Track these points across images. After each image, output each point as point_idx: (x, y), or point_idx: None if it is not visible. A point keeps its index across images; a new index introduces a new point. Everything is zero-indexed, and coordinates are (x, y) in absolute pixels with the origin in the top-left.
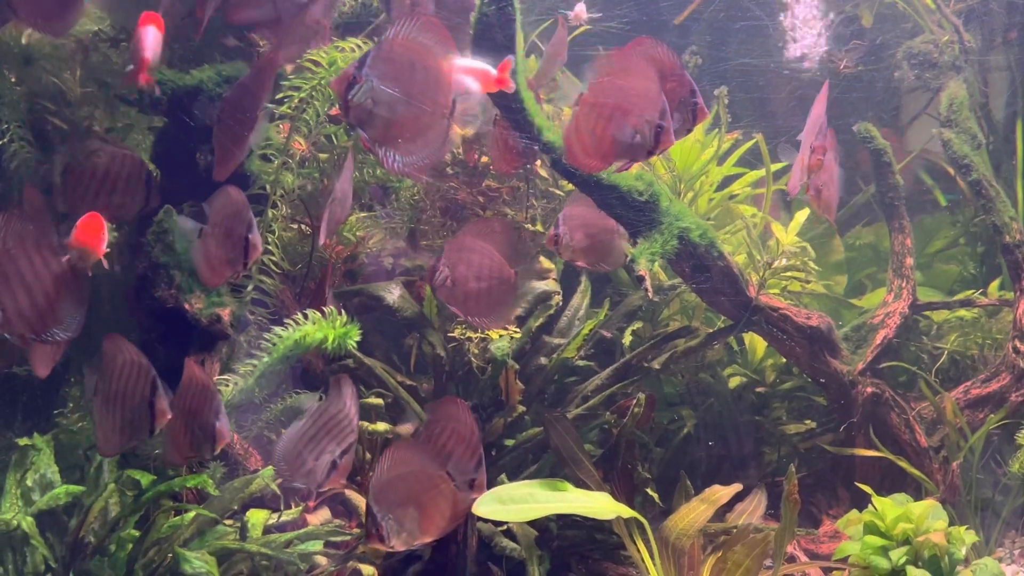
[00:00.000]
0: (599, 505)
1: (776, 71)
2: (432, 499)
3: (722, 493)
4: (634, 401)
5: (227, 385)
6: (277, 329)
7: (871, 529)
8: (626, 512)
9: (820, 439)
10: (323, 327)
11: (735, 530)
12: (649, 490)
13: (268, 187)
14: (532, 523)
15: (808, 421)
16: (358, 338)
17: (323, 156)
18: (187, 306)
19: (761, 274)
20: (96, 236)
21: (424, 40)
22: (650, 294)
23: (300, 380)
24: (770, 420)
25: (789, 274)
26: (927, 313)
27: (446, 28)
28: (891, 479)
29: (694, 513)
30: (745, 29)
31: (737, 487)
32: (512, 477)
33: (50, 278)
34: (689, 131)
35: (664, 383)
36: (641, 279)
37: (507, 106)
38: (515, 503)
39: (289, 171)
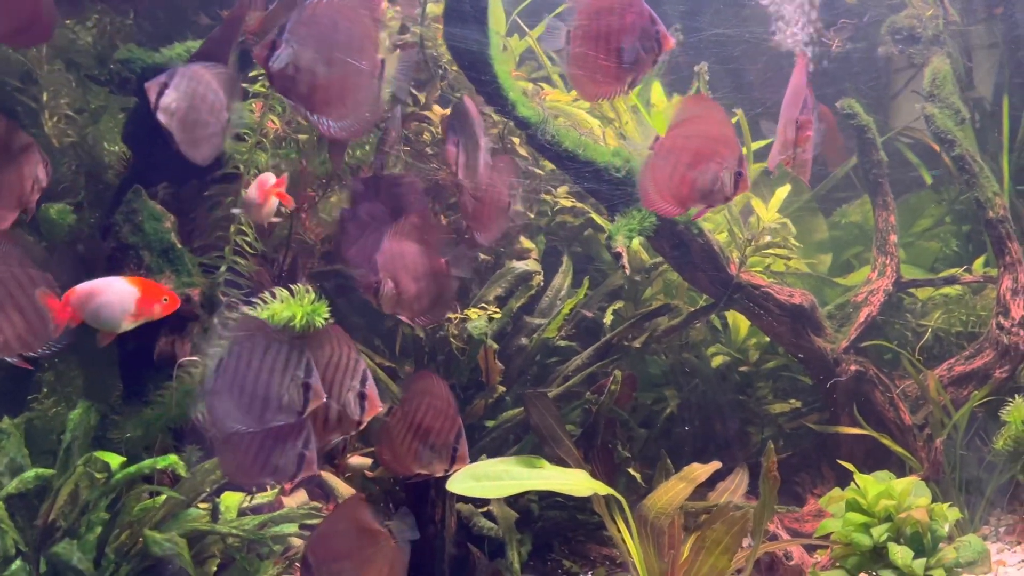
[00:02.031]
0: (575, 482)
1: (752, 42)
2: (370, 557)
3: (700, 471)
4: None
5: (196, 367)
6: (245, 308)
7: (853, 506)
8: (602, 489)
9: (807, 418)
10: (291, 305)
11: (716, 508)
12: (632, 470)
13: (241, 167)
14: (513, 505)
15: (793, 400)
16: (327, 316)
17: (303, 137)
18: None
19: (742, 251)
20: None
21: (351, 3)
22: (627, 270)
23: None
24: (754, 399)
25: (771, 251)
26: (912, 291)
27: None
28: (876, 457)
29: (672, 492)
30: None
31: (716, 465)
32: (494, 457)
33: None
34: (655, 62)
35: (649, 363)
36: (618, 256)
37: (479, 79)
38: (490, 480)
39: (263, 150)
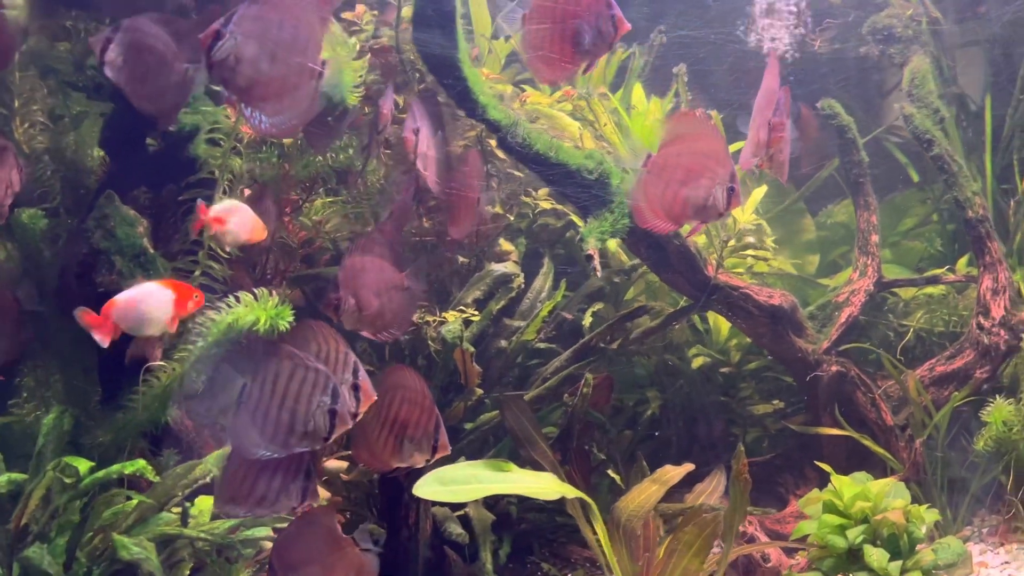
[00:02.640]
0: (544, 485)
1: (717, 43)
2: (335, 563)
3: (673, 474)
4: (595, 382)
5: (165, 372)
6: (210, 312)
7: (829, 508)
8: (571, 492)
9: (790, 419)
10: (254, 309)
11: (688, 511)
12: (612, 471)
13: (216, 172)
14: (493, 508)
15: (776, 401)
16: (291, 320)
17: (287, 141)
18: None
19: (719, 252)
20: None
21: (299, 1)
22: (598, 273)
23: None
24: (737, 400)
25: (748, 253)
26: (896, 290)
27: None
28: (858, 458)
29: (645, 494)
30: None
31: (688, 467)
32: (473, 460)
33: None
34: (610, 46)
35: (634, 364)
36: (590, 258)
37: (448, 83)
38: (457, 484)
39: (238, 155)
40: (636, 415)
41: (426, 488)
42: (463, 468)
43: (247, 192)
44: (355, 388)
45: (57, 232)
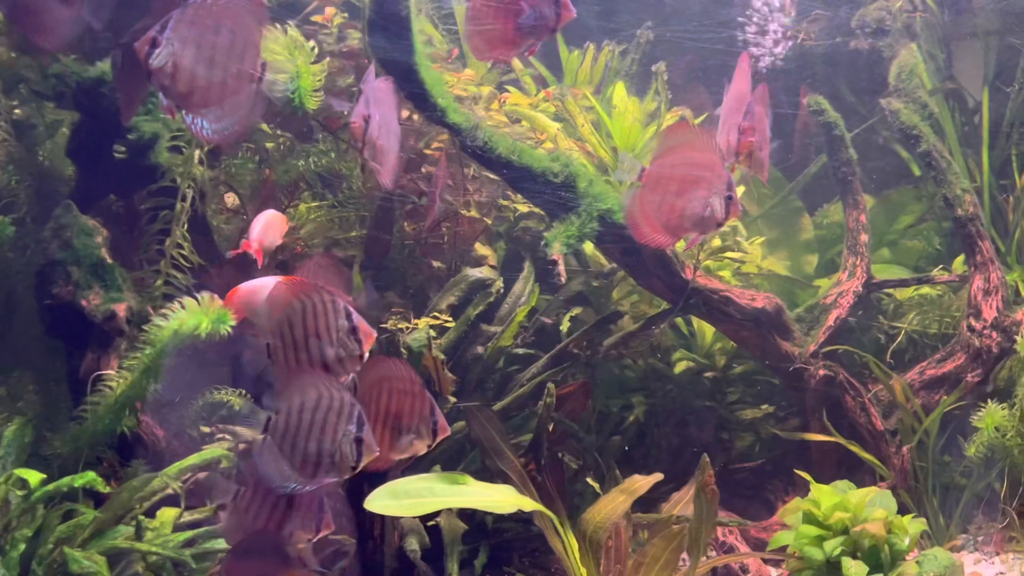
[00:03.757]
0: (500, 498)
1: (673, 40)
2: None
3: (640, 484)
4: (567, 389)
5: (117, 382)
6: (156, 320)
7: (808, 518)
8: (529, 504)
9: (780, 423)
10: (196, 314)
11: (656, 523)
12: (589, 479)
13: (179, 179)
14: (469, 517)
15: (765, 406)
16: (233, 323)
17: (269, 145)
18: (84, 302)
19: (695, 256)
20: None
21: (234, 5)
22: (562, 279)
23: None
24: (724, 405)
25: (726, 255)
26: (891, 291)
27: None
28: (849, 464)
29: (612, 504)
30: None
31: (657, 477)
32: (448, 468)
33: None
34: (553, 31)
35: (625, 368)
36: (554, 263)
37: (406, 87)
38: (410, 497)
39: (200, 163)
40: (622, 420)
41: (378, 502)
42: (417, 481)
43: (230, 197)
44: (353, 331)
45: (27, 242)
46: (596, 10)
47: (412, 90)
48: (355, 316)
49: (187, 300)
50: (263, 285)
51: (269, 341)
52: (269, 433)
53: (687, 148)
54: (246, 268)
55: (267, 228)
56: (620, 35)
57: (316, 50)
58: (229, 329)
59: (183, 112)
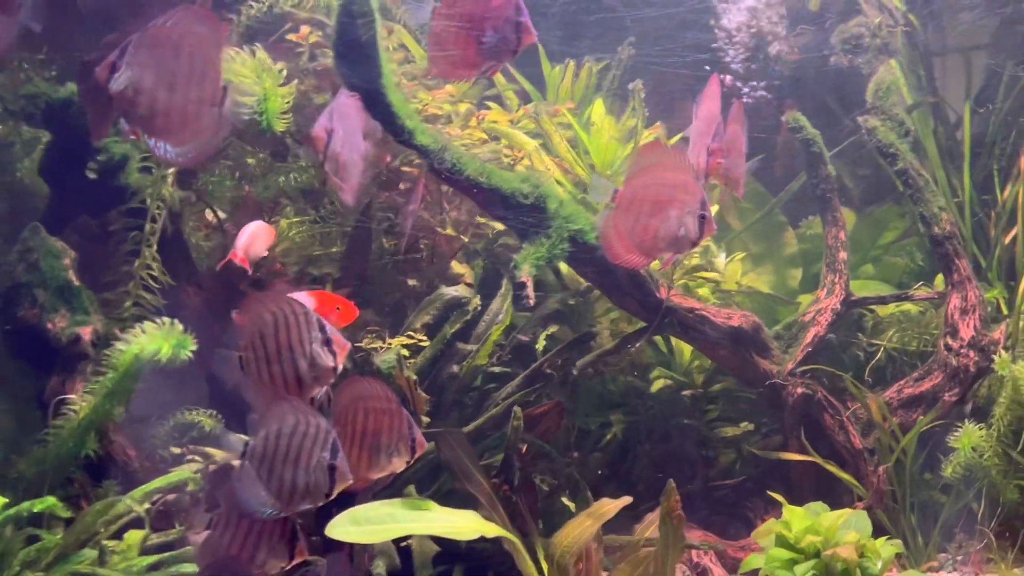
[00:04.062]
0: (463, 524)
1: (635, 65)
2: None
3: (609, 507)
4: (541, 409)
5: (80, 405)
6: (118, 344)
7: (780, 541)
8: (493, 531)
9: (759, 442)
10: (156, 338)
11: (625, 546)
12: (565, 499)
13: (148, 200)
14: (440, 539)
15: (744, 423)
16: (194, 348)
17: (251, 161)
18: (49, 325)
19: (669, 276)
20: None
21: (194, 28)
22: (531, 300)
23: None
24: (704, 423)
25: (699, 274)
26: (874, 308)
27: (217, 18)
28: (828, 483)
29: (579, 529)
30: (600, 22)
31: (626, 500)
32: (422, 489)
33: None
34: (515, 52)
35: (608, 385)
36: (522, 285)
37: (373, 109)
38: (371, 524)
39: (173, 183)
40: (601, 438)
41: (339, 529)
42: (380, 507)
43: (211, 214)
44: (327, 342)
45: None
46: (558, 35)
47: (379, 112)
48: (328, 328)
49: (148, 324)
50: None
51: (241, 354)
52: (247, 458)
53: (660, 168)
54: (230, 284)
55: (253, 238)
56: (583, 59)
57: (284, 72)
58: (189, 354)
59: (145, 136)
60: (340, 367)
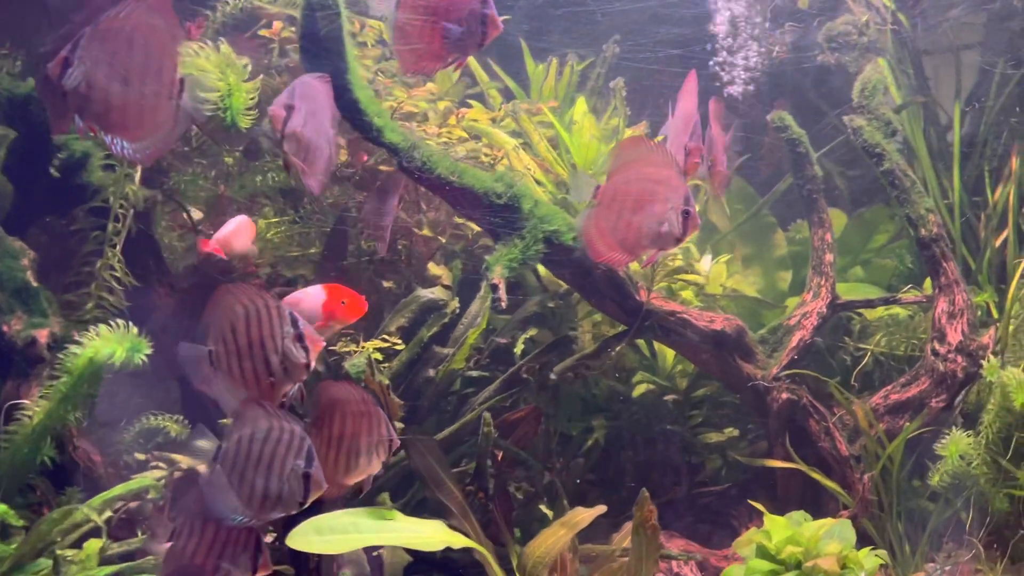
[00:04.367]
0: (427, 535)
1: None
2: None
3: (582, 516)
4: (518, 415)
5: (34, 411)
6: (72, 347)
7: (761, 552)
8: (459, 542)
9: (754, 447)
10: (110, 341)
11: (597, 558)
12: (543, 506)
13: (111, 198)
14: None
15: (729, 429)
16: (148, 351)
17: (229, 160)
18: (4, 328)
19: (649, 278)
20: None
21: (147, 20)
22: (503, 303)
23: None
24: (687, 428)
25: (680, 277)
26: (861, 312)
27: (172, 10)
28: (814, 490)
29: (553, 538)
30: (569, 16)
31: (600, 509)
32: (396, 496)
33: None
34: (481, 45)
35: (592, 389)
36: (495, 288)
37: (340, 107)
38: (334, 533)
39: (131, 181)
40: (583, 443)
41: (300, 539)
42: (342, 516)
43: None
44: (299, 338)
45: None
46: (525, 28)
47: (345, 108)
48: (302, 323)
49: (102, 327)
50: (301, 296)
51: (211, 348)
52: (219, 462)
53: (642, 163)
54: (204, 284)
55: (236, 233)
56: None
57: (249, 67)
58: (144, 357)
59: (102, 132)
60: (312, 364)
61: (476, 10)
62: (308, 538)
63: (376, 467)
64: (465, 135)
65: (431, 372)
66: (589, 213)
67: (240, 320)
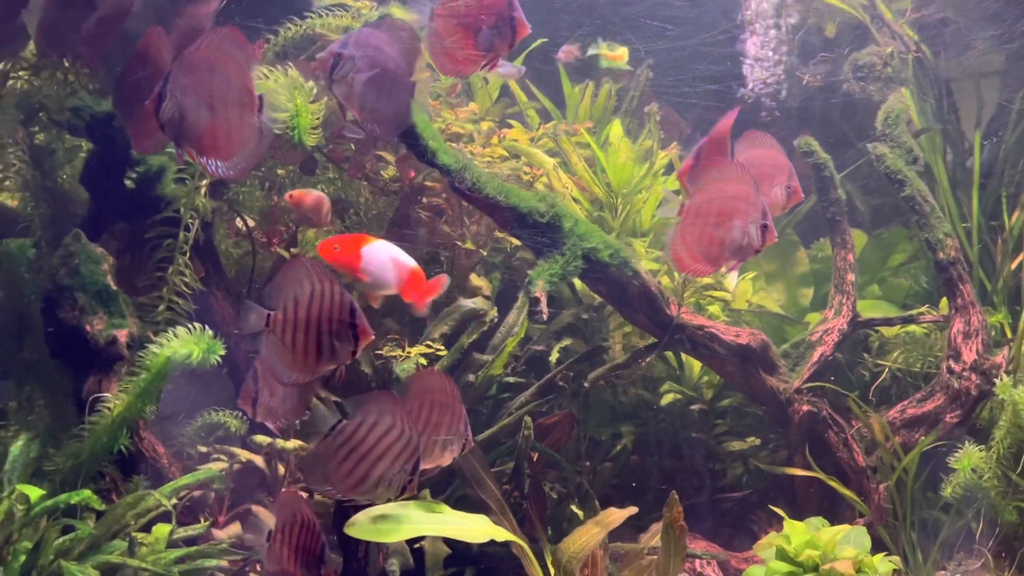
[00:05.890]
0: (474, 527)
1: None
2: None
3: (615, 516)
4: (552, 419)
5: (114, 404)
6: (151, 347)
7: (781, 554)
8: (502, 535)
9: (775, 456)
10: (187, 342)
11: (627, 555)
12: (573, 507)
13: (182, 210)
14: (453, 541)
15: (751, 438)
16: (223, 353)
17: (281, 172)
18: (88, 327)
19: (679, 293)
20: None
21: (223, 47)
22: (544, 315)
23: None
24: (712, 437)
25: (708, 293)
26: (880, 329)
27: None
28: (832, 498)
29: (586, 536)
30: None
31: (632, 510)
32: (436, 494)
33: None
34: (511, 46)
35: (620, 397)
36: (536, 301)
37: (401, 133)
38: (387, 522)
39: (199, 193)
40: (612, 448)
41: (357, 527)
42: (394, 508)
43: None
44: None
45: (42, 264)
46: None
47: (404, 133)
48: (358, 313)
49: (180, 329)
50: (402, 262)
51: (271, 312)
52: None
53: (723, 182)
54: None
55: (319, 203)
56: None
57: (315, 90)
58: (218, 359)
59: (198, 156)
60: (359, 353)
61: (505, 14)
62: (365, 526)
63: (447, 460)
64: (506, 154)
65: (471, 377)
66: (675, 228)
67: (304, 294)
